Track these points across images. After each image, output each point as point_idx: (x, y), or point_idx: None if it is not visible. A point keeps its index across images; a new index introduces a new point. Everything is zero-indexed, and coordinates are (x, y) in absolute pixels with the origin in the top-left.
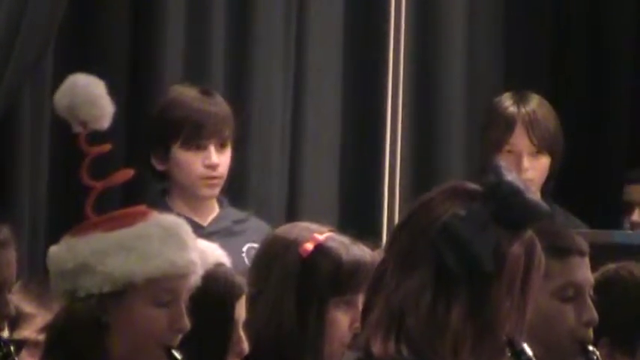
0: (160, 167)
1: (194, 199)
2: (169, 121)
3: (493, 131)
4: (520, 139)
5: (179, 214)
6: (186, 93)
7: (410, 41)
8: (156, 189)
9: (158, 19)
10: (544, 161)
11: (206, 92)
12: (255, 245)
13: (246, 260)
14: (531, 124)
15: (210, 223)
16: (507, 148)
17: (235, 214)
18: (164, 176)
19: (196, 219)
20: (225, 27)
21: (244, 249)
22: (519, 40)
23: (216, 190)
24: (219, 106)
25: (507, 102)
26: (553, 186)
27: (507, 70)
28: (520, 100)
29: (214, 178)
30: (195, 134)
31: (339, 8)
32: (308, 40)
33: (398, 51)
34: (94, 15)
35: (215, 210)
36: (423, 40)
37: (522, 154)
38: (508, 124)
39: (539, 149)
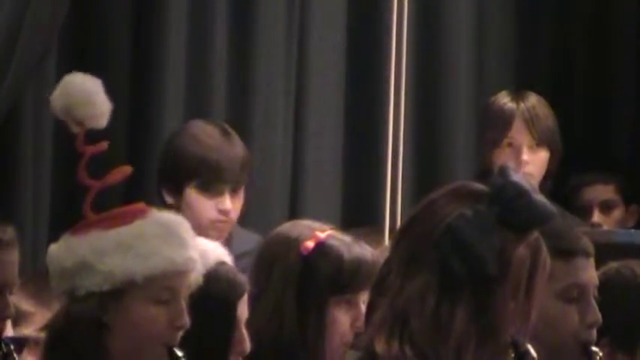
0: (169, 200)
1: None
2: (186, 159)
3: (491, 128)
4: (520, 133)
5: None
6: (207, 132)
7: (414, 40)
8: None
9: (160, 20)
10: (543, 155)
11: (225, 133)
12: None
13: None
14: (531, 118)
15: None
16: (507, 143)
17: (242, 243)
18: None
19: None
20: (227, 26)
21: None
22: (526, 46)
23: (224, 234)
24: (237, 150)
25: (505, 99)
26: (551, 184)
27: (514, 75)
28: (518, 97)
29: (225, 222)
30: (212, 179)
31: (341, 7)
32: (310, 39)
33: (400, 50)
34: (96, 15)
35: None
36: (426, 39)
37: (522, 147)
38: (507, 119)
39: (539, 143)
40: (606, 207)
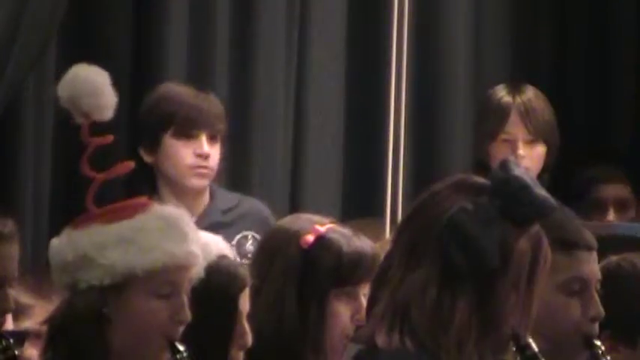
0: (148, 159)
1: (182, 193)
2: (162, 111)
3: (488, 121)
4: (516, 127)
5: None
6: (179, 88)
7: (413, 36)
8: (143, 187)
9: (161, 14)
10: (540, 150)
11: (199, 88)
12: (248, 233)
13: (236, 253)
14: (527, 112)
15: (197, 221)
16: (503, 137)
17: (225, 201)
18: (151, 171)
19: None
20: (228, 22)
21: (234, 242)
22: (525, 37)
23: (205, 182)
24: (212, 101)
25: (501, 92)
26: (548, 179)
27: (513, 66)
28: (515, 90)
29: (204, 167)
30: (188, 124)
31: (342, 4)
32: (311, 35)
33: (401, 45)
34: (97, 10)
35: (205, 203)
36: (426, 35)
37: (518, 141)
38: (503, 113)
39: (535, 137)
40: (622, 206)
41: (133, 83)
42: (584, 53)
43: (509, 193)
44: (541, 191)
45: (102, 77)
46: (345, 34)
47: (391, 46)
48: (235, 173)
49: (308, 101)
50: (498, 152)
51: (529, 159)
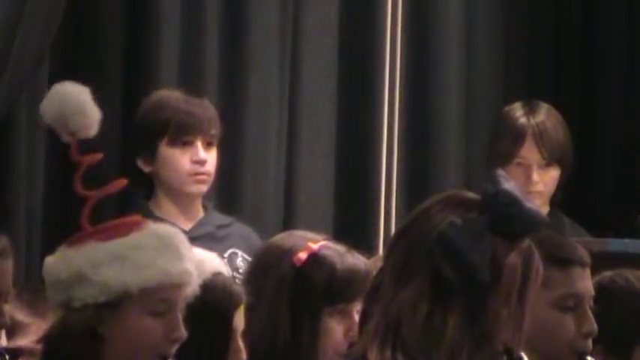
0: (146, 169)
1: (180, 201)
2: (155, 120)
3: (503, 143)
4: (530, 152)
5: (162, 220)
6: (171, 94)
7: (406, 50)
8: (139, 194)
9: (153, 27)
10: (554, 173)
11: (190, 95)
12: (238, 251)
13: (228, 267)
14: (541, 136)
15: (193, 228)
16: (517, 160)
17: (219, 218)
18: (149, 180)
19: (179, 223)
20: (219, 33)
21: (226, 255)
22: (519, 53)
23: (204, 188)
24: (204, 106)
25: (517, 112)
26: (560, 196)
27: (506, 83)
28: (530, 111)
29: (202, 174)
30: (182, 130)
31: (334, 17)
32: (303, 48)
33: (394, 60)
34: (89, 22)
35: (200, 214)
36: (419, 48)
37: (532, 167)
38: (518, 136)
39: (549, 161)
40: None
41: (125, 96)
42: (579, 54)
43: (498, 208)
44: (531, 206)
45: (85, 94)
46: (337, 52)
47: (384, 63)
48: (226, 191)
49: (301, 119)
50: (511, 175)
51: (543, 184)
